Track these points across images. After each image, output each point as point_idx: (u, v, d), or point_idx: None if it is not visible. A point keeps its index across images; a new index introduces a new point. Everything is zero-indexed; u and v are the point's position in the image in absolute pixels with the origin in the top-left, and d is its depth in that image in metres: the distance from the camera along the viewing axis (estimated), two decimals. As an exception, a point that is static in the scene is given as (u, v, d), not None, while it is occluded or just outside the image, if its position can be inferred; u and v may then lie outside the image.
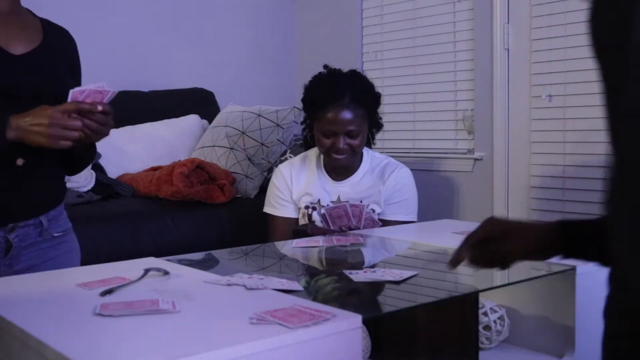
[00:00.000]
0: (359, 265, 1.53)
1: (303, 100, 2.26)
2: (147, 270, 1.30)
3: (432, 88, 3.18)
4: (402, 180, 2.21)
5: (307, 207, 2.19)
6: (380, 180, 2.21)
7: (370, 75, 3.59)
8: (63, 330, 0.97)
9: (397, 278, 1.32)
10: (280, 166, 2.31)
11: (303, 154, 2.35)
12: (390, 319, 1.46)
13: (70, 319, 1.04)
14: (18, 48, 1.46)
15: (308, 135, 2.30)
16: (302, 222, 2.21)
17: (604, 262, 1.06)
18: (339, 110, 2.13)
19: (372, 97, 2.22)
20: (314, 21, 3.80)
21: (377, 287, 1.31)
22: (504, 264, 1.10)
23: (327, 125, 2.14)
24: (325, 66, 2.27)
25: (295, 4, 3.89)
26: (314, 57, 3.67)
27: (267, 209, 2.27)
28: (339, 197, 2.19)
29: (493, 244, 1.08)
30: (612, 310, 0.65)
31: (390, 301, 1.30)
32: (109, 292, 1.16)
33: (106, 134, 1.44)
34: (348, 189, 2.19)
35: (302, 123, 2.34)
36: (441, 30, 3.13)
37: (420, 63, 3.23)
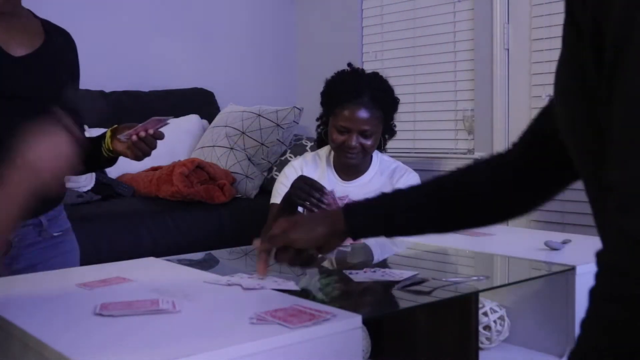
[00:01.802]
0: (359, 265, 1.53)
1: (322, 94, 2.25)
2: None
3: (432, 88, 3.18)
4: (412, 184, 2.21)
5: None
6: (389, 183, 2.21)
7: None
8: (63, 330, 0.97)
9: (397, 278, 1.32)
10: (293, 161, 2.30)
11: (314, 152, 2.35)
12: (390, 319, 1.46)
13: (70, 319, 1.04)
14: (19, 50, 1.46)
15: (322, 132, 2.29)
16: None
17: (388, 235, 1.18)
18: (356, 108, 2.12)
19: (390, 101, 2.22)
20: (314, 21, 3.80)
21: (377, 287, 1.31)
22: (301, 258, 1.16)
23: (343, 121, 2.13)
24: (349, 64, 2.27)
25: (295, 4, 3.89)
26: (314, 57, 3.68)
27: (273, 200, 2.25)
28: (348, 197, 2.18)
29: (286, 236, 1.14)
30: (604, 293, 0.62)
31: (390, 301, 1.30)
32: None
33: (149, 154, 1.52)
34: (356, 190, 2.19)
35: (317, 119, 2.33)
36: (441, 30, 3.13)
37: (420, 63, 3.23)
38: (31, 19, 1.55)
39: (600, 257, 0.62)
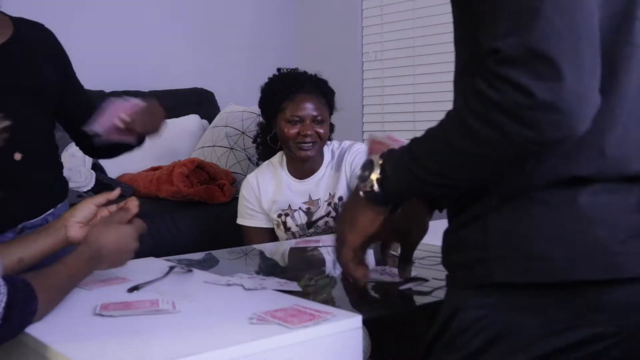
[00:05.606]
0: (359, 265, 1.52)
1: (261, 101, 2.22)
2: (171, 268, 1.32)
3: (432, 88, 3.18)
4: (360, 154, 2.14)
5: (279, 216, 2.11)
6: (341, 166, 2.15)
7: (370, 75, 3.59)
8: (63, 330, 0.97)
9: (397, 278, 1.32)
10: (249, 176, 2.23)
11: (267, 161, 2.26)
12: (390, 319, 1.46)
13: (70, 319, 1.04)
14: None
15: (268, 138, 2.22)
16: (277, 231, 2.14)
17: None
18: (302, 96, 2.11)
19: (329, 91, 2.20)
20: (314, 21, 3.80)
21: (377, 287, 1.31)
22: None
23: (293, 112, 2.09)
24: (278, 69, 2.25)
25: (295, 4, 3.89)
26: (314, 57, 3.68)
27: (240, 220, 2.20)
28: (309, 196, 2.13)
29: None
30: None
31: (390, 301, 1.30)
32: (135, 288, 1.18)
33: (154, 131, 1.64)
34: (314, 187, 2.12)
35: (256, 136, 2.31)
36: (441, 30, 3.13)
37: (420, 63, 3.23)
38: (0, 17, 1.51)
39: None
